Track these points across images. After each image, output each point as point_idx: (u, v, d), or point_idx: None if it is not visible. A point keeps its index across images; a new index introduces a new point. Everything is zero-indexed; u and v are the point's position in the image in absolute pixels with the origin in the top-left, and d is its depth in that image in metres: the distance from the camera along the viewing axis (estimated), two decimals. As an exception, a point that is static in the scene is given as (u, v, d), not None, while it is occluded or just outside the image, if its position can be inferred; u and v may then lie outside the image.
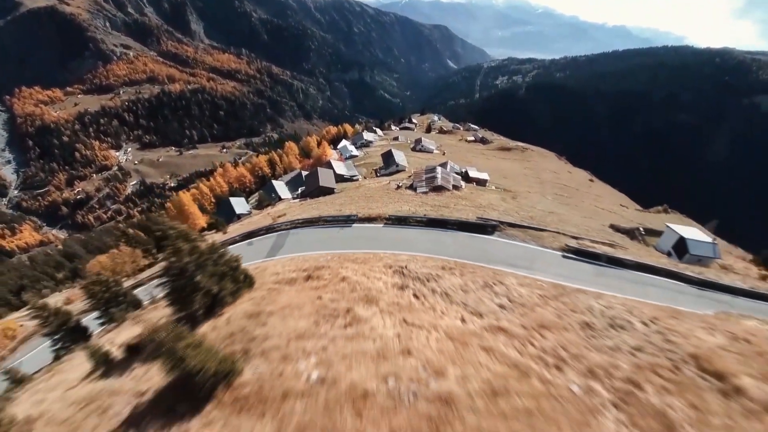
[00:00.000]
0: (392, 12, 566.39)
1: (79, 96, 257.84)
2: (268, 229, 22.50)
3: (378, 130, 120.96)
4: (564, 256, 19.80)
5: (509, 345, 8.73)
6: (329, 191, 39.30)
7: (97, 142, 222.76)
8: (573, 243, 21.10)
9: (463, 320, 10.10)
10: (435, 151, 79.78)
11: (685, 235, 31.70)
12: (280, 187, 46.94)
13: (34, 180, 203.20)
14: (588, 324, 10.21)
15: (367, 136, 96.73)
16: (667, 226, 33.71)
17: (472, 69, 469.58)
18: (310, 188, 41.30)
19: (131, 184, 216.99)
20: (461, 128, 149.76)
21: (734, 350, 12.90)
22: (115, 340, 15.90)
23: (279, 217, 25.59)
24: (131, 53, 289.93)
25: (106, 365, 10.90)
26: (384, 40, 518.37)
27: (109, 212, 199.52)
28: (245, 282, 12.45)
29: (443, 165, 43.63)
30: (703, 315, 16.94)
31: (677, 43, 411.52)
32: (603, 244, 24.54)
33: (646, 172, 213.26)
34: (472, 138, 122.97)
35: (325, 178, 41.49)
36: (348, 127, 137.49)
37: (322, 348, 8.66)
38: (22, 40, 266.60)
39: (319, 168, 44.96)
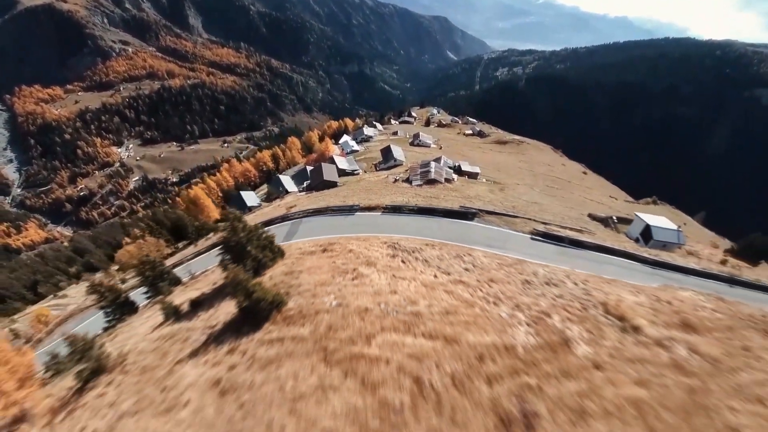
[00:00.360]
0: (391, 3, 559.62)
1: (79, 93, 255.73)
2: (283, 218, 26.31)
3: (378, 124, 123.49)
4: (532, 238, 23.47)
5: (465, 290, 12.63)
6: (333, 185, 42.89)
7: (99, 139, 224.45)
8: (541, 228, 24.77)
9: (435, 276, 14.08)
10: (432, 146, 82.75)
11: (651, 223, 34.94)
12: (287, 181, 50.59)
13: (37, 178, 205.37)
14: (528, 281, 14.00)
15: (368, 131, 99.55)
16: (636, 215, 36.95)
17: (473, 60, 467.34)
18: (315, 182, 44.94)
19: (134, 179, 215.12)
20: (459, 122, 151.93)
21: (649, 306, 16.51)
22: (155, 317, 19.66)
23: (291, 208, 29.39)
24: (130, 49, 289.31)
25: (175, 315, 14.72)
26: (383, 32, 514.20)
27: (113, 208, 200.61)
28: (278, 253, 16.46)
29: (437, 160, 46.89)
30: (636, 283, 20.13)
31: (679, 35, 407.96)
32: (571, 229, 28.01)
33: (645, 165, 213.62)
34: (470, 131, 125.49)
35: (328, 173, 45.08)
36: (348, 122, 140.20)
37: (338, 290, 12.81)
38: (20, 38, 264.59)
39: (323, 163, 48.53)
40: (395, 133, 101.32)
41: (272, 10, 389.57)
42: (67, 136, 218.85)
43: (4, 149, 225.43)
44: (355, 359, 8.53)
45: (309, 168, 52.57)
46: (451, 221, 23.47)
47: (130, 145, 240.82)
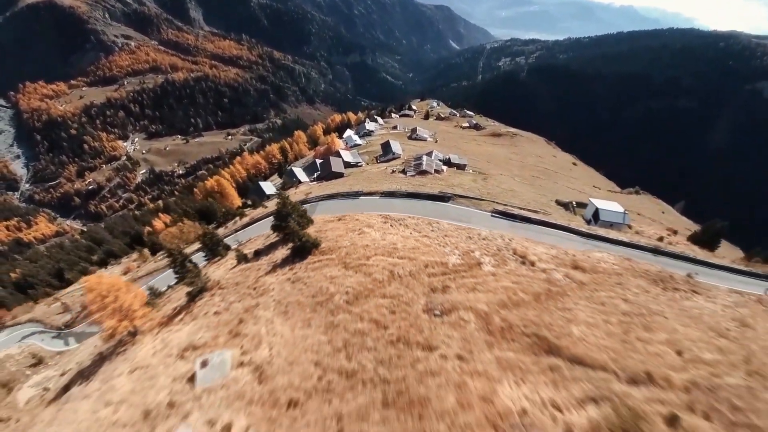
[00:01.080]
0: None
1: (83, 89, 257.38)
2: (303, 201, 34.05)
3: (379, 118, 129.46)
4: (492, 216, 31.06)
5: (427, 240, 20.54)
6: (340, 175, 50.61)
7: (105, 134, 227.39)
8: (500, 208, 32.42)
9: (411, 233, 22.00)
10: (429, 139, 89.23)
11: (599, 206, 42.17)
12: (299, 172, 58.51)
13: (45, 173, 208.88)
14: (470, 237, 21.78)
15: (369, 125, 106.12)
16: (590, 200, 44.23)
17: (475, 50, 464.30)
18: (324, 173, 52.73)
19: (141, 173, 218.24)
20: (458, 114, 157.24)
21: (554, 255, 23.70)
22: (226, 264, 27.75)
23: (308, 194, 37.30)
24: (132, 43, 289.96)
25: (245, 260, 22.68)
26: (385, 22, 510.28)
27: (121, 201, 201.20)
28: (310, 220, 24.51)
29: (429, 153, 54.09)
30: (560, 246, 26.94)
31: (686, 25, 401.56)
32: (528, 210, 35.56)
33: (645, 155, 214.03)
34: (467, 124, 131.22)
35: (336, 165, 52.85)
36: (351, 115, 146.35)
37: (350, 238, 20.74)
38: (22, 35, 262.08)
39: (330, 157, 56.29)
40: (395, 128, 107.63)
41: (273, 1, 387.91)
42: (73, 132, 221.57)
43: (11, 146, 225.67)
44: (360, 266, 16.38)
45: (318, 161, 60.21)
46: (432, 203, 31.19)
47: (136, 139, 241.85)
